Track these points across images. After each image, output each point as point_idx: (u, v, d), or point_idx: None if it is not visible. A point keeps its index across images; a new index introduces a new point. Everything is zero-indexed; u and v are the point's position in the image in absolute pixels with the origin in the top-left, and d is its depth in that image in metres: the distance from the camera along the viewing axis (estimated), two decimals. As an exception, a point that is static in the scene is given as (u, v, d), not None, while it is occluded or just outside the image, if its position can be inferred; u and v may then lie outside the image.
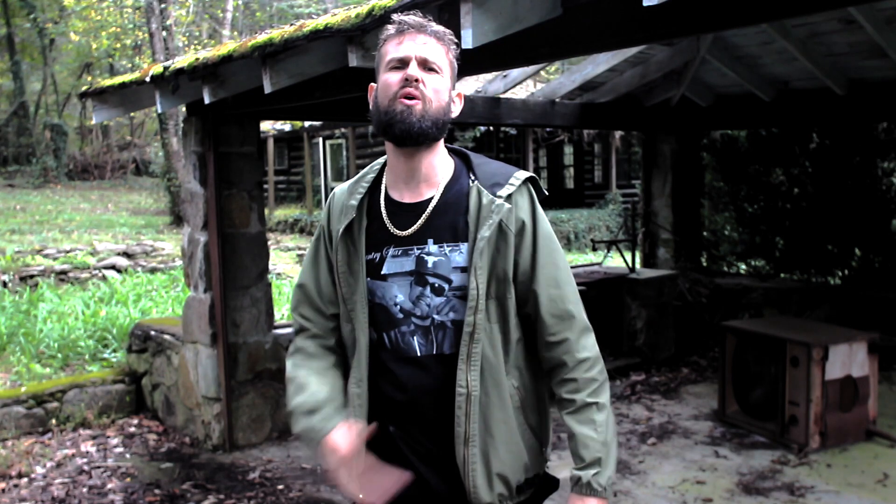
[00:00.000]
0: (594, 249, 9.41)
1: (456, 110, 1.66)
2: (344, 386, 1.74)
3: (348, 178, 1.82)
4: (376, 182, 1.72)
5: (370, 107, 1.66)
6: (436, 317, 1.63)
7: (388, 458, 1.66)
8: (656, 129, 6.87)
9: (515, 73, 5.52)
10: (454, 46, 1.64)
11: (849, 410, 4.39)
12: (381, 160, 1.75)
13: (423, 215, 1.64)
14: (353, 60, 2.73)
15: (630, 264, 6.38)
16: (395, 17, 1.62)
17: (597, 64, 5.76)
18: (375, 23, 2.54)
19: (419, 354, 1.64)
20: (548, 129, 16.68)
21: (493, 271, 1.61)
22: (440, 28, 1.62)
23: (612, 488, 1.63)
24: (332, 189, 1.80)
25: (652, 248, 7.05)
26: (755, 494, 3.84)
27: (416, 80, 1.56)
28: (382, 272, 1.65)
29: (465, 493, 1.65)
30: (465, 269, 1.62)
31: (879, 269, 6.64)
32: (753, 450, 4.42)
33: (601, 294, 5.86)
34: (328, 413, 1.65)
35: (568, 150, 19.57)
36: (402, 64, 1.57)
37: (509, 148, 16.86)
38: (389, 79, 1.59)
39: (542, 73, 13.57)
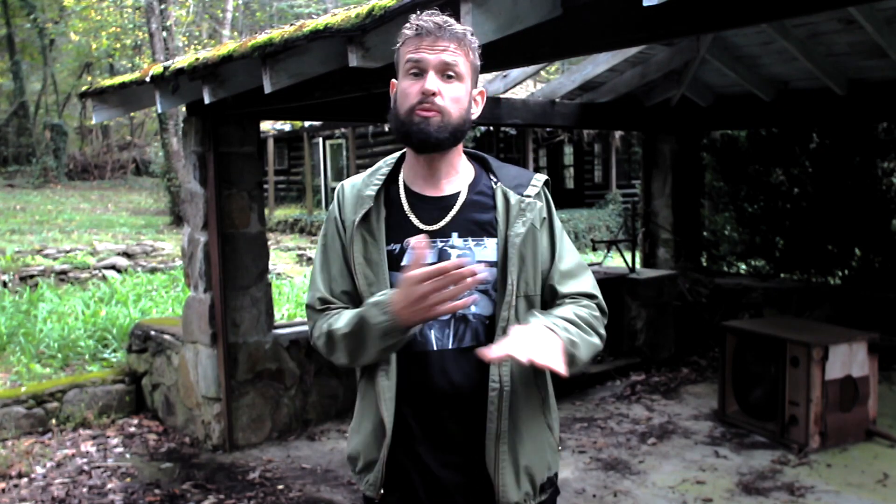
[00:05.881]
0: (594, 249, 9.40)
1: (477, 111, 1.67)
2: None
3: (348, 178, 1.79)
4: (392, 175, 1.71)
5: (390, 104, 1.66)
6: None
7: (406, 458, 1.65)
8: (656, 129, 6.87)
9: (515, 73, 5.52)
10: (475, 46, 1.62)
11: (849, 410, 4.39)
12: (395, 155, 1.74)
13: (453, 210, 1.65)
14: (353, 60, 2.73)
15: (630, 264, 6.38)
16: (413, 18, 1.59)
17: (597, 64, 5.76)
18: (375, 23, 2.54)
19: (434, 348, 1.64)
20: (548, 129, 16.67)
21: (522, 267, 1.64)
22: (460, 29, 1.59)
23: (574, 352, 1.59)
24: (340, 185, 1.77)
25: (652, 248, 7.05)
26: (755, 494, 3.84)
27: (434, 94, 1.55)
28: (402, 263, 1.63)
29: (487, 494, 1.64)
30: (491, 265, 1.64)
31: (879, 269, 6.65)
32: (753, 450, 4.42)
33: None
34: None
35: (568, 150, 19.56)
36: (420, 70, 1.56)
37: (509, 148, 16.84)
38: (408, 88, 1.58)
39: (542, 73, 13.58)
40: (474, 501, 1.66)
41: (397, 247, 1.65)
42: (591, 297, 1.73)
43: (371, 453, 1.67)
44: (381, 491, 1.66)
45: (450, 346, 1.63)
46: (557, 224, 1.74)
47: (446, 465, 1.65)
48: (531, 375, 1.67)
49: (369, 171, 1.74)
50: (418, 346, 1.63)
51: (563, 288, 1.69)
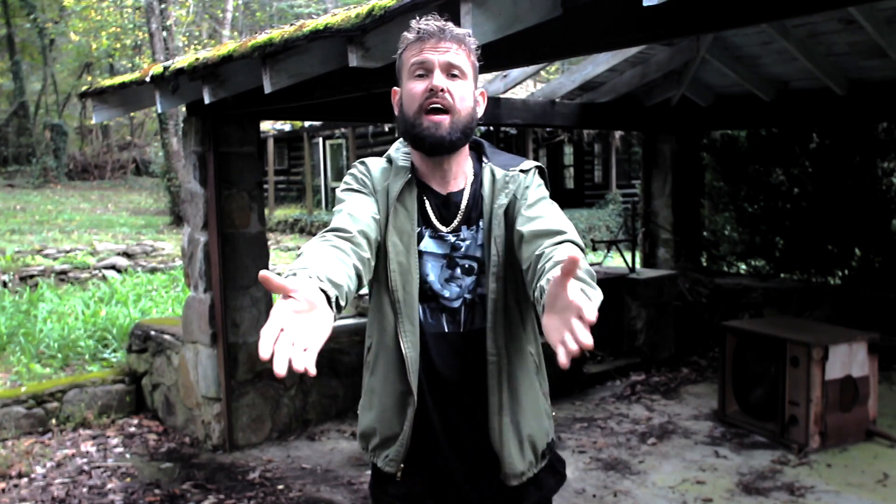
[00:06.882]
0: (594, 249, 9.41)
1: (481, 111, 1.69)
2: (349, 262, 1.46)
3: (367, 158, 1.80)
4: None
5: (395, 112, 1.68)
6: (467, 296, 1.67)
7: (421, 431, 1.67)
8: (656, 129, 6.87)
9: (515, 73, 5.52)
10: (475, 47, 1.65)
11: (849, 410, 4.39)
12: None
13: (461, 211, 1.68)
14: (353, 60, 2.73)
15: (630, 264, 6.38)
16: (413, 23, 1.61)
17: (597, 64, 5.76)
18: (375, 23, 2.54)
19: (447, 331, 1.68)
20: (548, 129, 16.67)
21: (509, 238, 1.64)
22: (460, 31, 1.62)
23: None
24: (360, 162, 1.74)
25: (652, 248, 7.04)
26: (755, 494, 3.84)
27: (442, 91, 1.56)
28: (420, 248, 1.67)
29: (492, 469, 1.68)
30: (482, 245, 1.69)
31: (879, 269, 6.64)
32: (753, 450, 4.42)
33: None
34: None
35: (568, 150, 19.57)
36: (426, 71, 1.58)
37: (509, 148, 16.83)
38: (414, 87, 1.59)
39: (542, 73, 13.57)
40: (478, 478, 1.69)
41: (418, 229, 1.68)
42: (561, 233, 1.51)
43: (391, 427, 1.68)
44: (402, 465, 1.67)
45: (460, 330, 1.68)
46: (545, 194, 1.67)
47: (455, 440, 1.68)
48: (524, 346, 1.70)
49: (392, 149, 1.75)
50: (431, 327, 1.67)
51: (529, 226, 1.53)
